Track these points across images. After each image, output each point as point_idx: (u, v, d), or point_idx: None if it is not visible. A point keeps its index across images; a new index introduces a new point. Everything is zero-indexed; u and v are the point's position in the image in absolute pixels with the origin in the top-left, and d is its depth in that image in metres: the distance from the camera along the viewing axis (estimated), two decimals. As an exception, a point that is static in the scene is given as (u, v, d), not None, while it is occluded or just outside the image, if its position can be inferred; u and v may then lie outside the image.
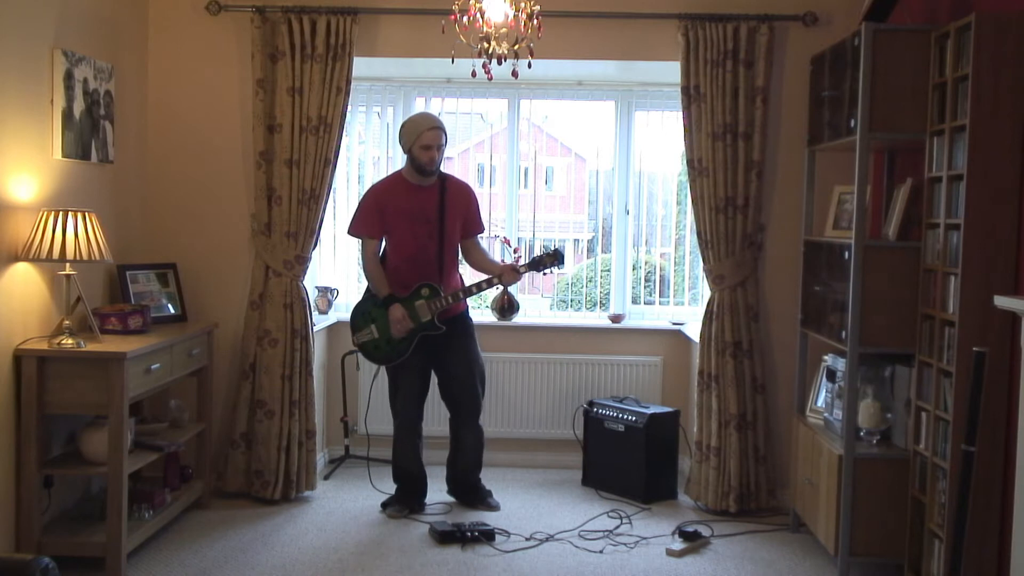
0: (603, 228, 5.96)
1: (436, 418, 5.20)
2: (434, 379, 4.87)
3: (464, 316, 4.82)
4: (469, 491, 4.90)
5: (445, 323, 4.63)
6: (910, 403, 3.98)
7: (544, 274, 4.87)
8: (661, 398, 5.50)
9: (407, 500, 4.78)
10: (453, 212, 4.66)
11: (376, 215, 4.63)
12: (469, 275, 4.97)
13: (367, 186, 5.78)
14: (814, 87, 4.62)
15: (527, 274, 4.74)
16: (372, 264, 4.67)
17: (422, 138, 4.51)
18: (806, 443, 4.46)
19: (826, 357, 4.48)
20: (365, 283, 5.81)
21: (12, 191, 3.83)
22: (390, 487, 4.91)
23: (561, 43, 4.91)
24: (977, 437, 3.44)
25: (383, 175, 5.75)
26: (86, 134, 4.34)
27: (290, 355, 4.91)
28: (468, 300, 4.81)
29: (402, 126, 4.64)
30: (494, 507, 4.84)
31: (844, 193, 4.47)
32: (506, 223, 5.74)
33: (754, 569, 4.20)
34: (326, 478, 5.30)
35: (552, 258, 4.64)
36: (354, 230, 4.72)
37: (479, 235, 4.84)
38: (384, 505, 4.81)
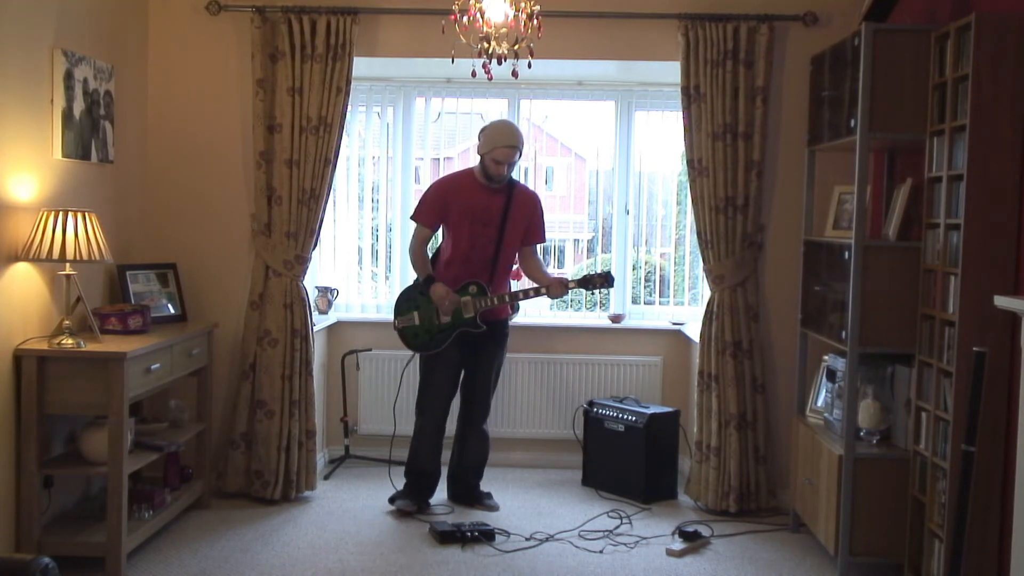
0: (603, 228, 5.96)
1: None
2: None
3: (505, 323, 4.86)
4: (468, 494, 4.90)
5: (487, 325, 4.66)
6: (910, 403, 3.98)
7: (592, 293, 4.92)
8: (661, 398, 5.50)
9: (416, 495, 4.79)
10: (516, 219, 4.69)
11: (439, 207, 4.68)
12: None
13: (367, 186, 5.80)
14: (814, 87, 4.62)
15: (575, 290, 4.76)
16: (419, 250, 4.71)
17: (496, 152, 4.55)
18: (806, 443, 4.46)
19: (826, 357, 4.48)
20: (366, 282, 5.84)
21: (12, 191, 3.83)
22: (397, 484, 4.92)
23: (561, 43, 4.91)
24: (977, 437, 3.44)
25: (383, 175, 5.77)
26: (86, 134, 4.34)
27: (290, 355, 4.91)
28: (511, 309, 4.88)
29: (484, 128, 4.64)
30: (493, 508, 4.84)
31: (844, 193, 4.47)
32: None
33: (754, 569, 4.20)
34: (326, 478, 5.30)
35: (602, 279, 4.68)
36: (415, 215, 4.77)
37: (538, 245, 4.88)
38: (392, 499, 4.80)
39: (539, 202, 4.85)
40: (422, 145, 5.81)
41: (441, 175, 5.32)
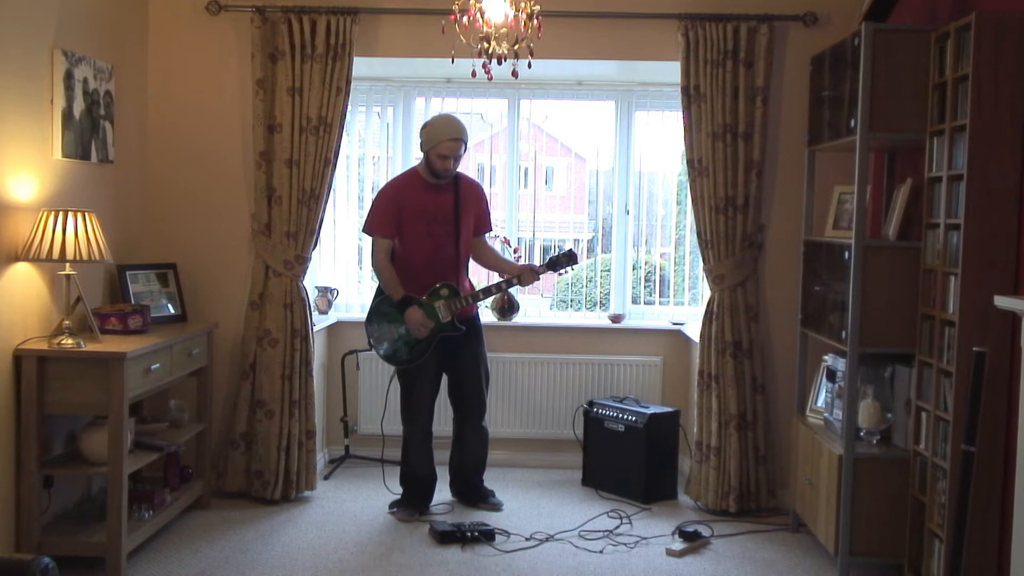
0: (603, 228, 5.96)
1: (440, 418, 5.15)
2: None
3: (476, 317, 4.82)
4: (471, 491, 4.90)
5: (462, 324, 4.62)
6: (910, 403, 3.98)
7: (560, 273, 4.92)
8: (661, 398, 5.50)
9: (416, 502, 4.77)
10: (467, 211, 4.65)
11: (392, 214, 4.58)
12: (476, 276, 4.96)
13: (367, 186, 5.80)
14: (814, 87, 4.62)
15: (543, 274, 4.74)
16: (385, 265, 4.59)
17: (440, 147, 4.47)
18: (806, 443, 4.46)
19: (826, 357, 4.48)
20: (366, 282, 5.84)
21: (12, 191, 3.83)
22: (395, 487, 4.91)
23: (561, 43, 4.91)
24: (977, 437, 3.44)
25: (383, 175, 5.77)
26: (86, 134, 4.34)
27: (290, 355, 4.91)
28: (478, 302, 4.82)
29: (425, 125, 4.57)
30: (497, 506, 4.83)
31: (844, 193, 4.47)
32: (506, 223, 5.73)
33: (754, 569, 4.20)
34: (326, 478, 5.30)
35: (567, 258, 4.64)
36: (369, 228, 4.66)
37: (487, 234, 4.84)
38: (392, 506, 4.80)
39: (483, 189, 4.83)
40: (422, 145, 5.80)
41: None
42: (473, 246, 4.77)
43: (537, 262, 5.71)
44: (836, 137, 4.26)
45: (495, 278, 5.01)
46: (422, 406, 4.73)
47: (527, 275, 4.63)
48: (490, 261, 4.84)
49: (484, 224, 4.79)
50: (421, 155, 4.62)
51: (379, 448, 5.46)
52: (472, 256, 4.80)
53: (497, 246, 5.67)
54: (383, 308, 4.65)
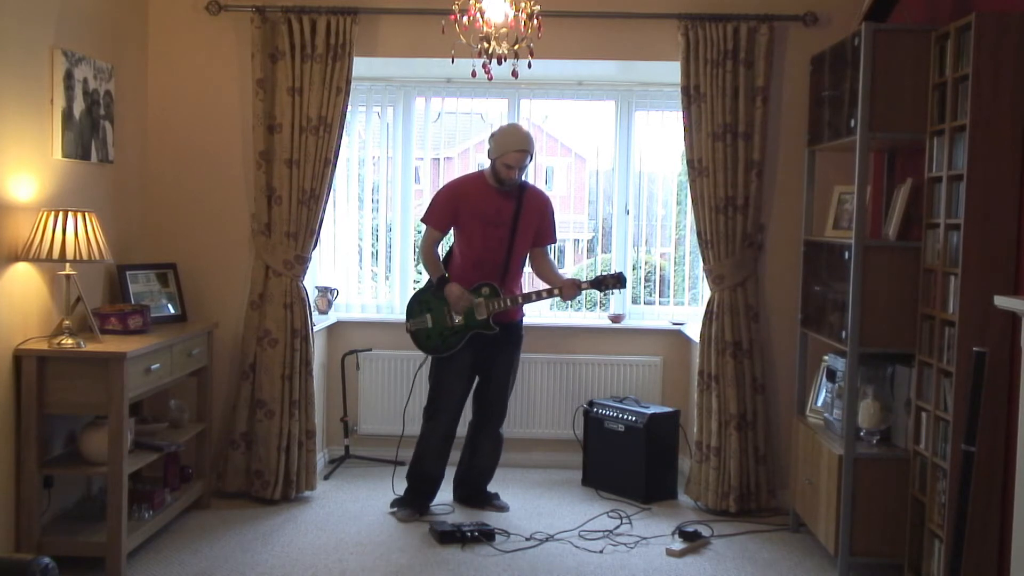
0: (603, 228, 5.96)
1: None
2: None
3: (519, 324, 4.83)
4: (476, 496, 4.89)
5: (500, 327, 4.63)
6: (910, 403, 3.98)
7: (605, 295, 4.89)
8: (661, 398, 5.50)
9: (418, 502, 4.77)
10: (527, 221, 4.66)
11: (449, 211, 4.64)
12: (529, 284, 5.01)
13: (367, 186, 5.80)
14: (814, 87, 4.62)
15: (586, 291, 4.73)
16: (429, 252, 4.68)
17: (507, 157, 4.50)
18: (806, 443, 4.46)
19: (826, 357, 4.48)
20: (367, 282, 5.85)
21: (12, 191, 3.83)
22: (400, 488, 4.90)
23: (561, 43, 4.91)
24: (977, 437, 3.44)
25: (383, 175, 5.77)
26: (86, 134, 4.34)
27: (290, 355, 4.91)
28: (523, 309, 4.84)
29: (493, 134, 4.60)
30: (503, 508, 4.83)
31: (844, 193, 4.48)
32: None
33: (754, 569, 4.20)
34: (326, 478, 5.30)
35: (615, 280, 4.64)
36: (424, 217, 4.74)
37: (549, 246, 4.84)
38: (394, 505, 4.80)
39: (550, 203, 4.82)
40: (422, 145, 5.81)
41: (444, 176, 5.27)
42: (532, 256, 4.79)
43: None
44: (836, 137, 4.26)
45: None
46: (450, 405, 4.73)
47: (569, 289, 4.63)
48: (541, 272, 4.84)
49: (546, 236, 4.78)
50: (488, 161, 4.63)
51: (378, 448, 5.47)
52: (530, 264, 4.84)
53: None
54: (424, 296, 4.71)
